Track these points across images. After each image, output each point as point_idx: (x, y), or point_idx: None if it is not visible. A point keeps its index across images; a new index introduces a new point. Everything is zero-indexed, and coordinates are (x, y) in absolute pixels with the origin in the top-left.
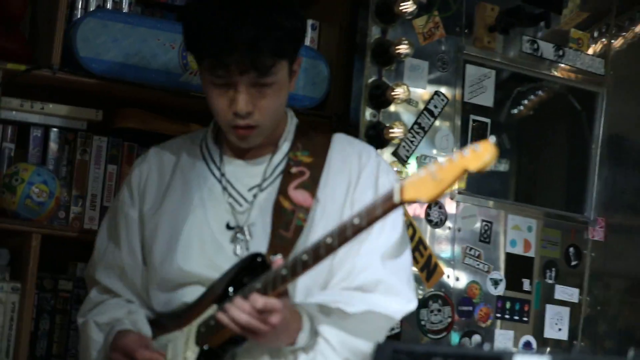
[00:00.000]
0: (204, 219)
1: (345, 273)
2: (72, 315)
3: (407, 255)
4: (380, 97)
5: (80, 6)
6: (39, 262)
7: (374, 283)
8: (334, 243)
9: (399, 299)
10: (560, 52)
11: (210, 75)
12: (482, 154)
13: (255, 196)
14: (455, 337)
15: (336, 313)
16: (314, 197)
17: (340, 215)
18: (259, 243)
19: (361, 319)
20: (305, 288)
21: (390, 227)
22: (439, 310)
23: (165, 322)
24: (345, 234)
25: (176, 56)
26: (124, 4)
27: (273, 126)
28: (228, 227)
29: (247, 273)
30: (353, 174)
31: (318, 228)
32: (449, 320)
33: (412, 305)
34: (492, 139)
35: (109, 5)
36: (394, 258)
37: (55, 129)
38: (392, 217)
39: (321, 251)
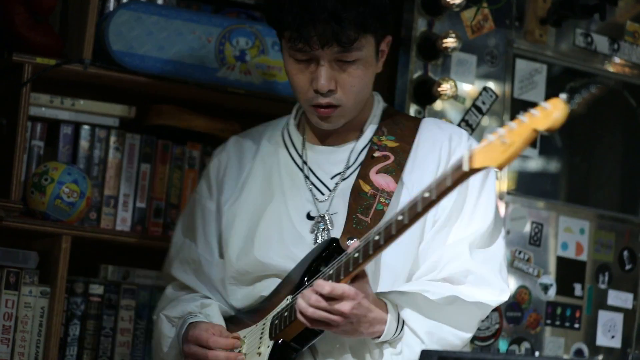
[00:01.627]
0: (284, 208)
1: (432, 264)
2: (103, 320)
3: (499, 244)
4: (426, 93)
5: None
6: (69, 265)
7: (463, 274)
8: (405, 219)
9: (490, 290)
10: (615, 46)
11: (291, 50)
12: (552, 112)
13: (337, 184)
14: (503, 345)
15: (421, 301)
16: (397, 182)
17: None
18: (334, 231)
19: (448, 308)
20: (390, 280)
21: (482, 215)
22: (487, 317)
23: (243, 317)
24: (416, 209)
25: (213, 50)
26: None
27: (357, 108)
28: (309, 217)
29: (324, 260)
30: (443, 157)
31: None
32: (497, 326)
33: (504, 296)
34: (562, 95)
35: None
36: (484, 247)
37: (86, 126)
38: (484, 203)
39: (392, 229)
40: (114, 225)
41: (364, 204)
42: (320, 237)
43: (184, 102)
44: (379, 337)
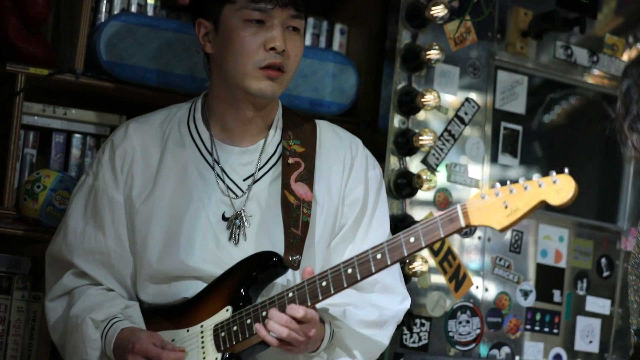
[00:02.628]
0: (203, 210)
1: None
2: None
3: None
4: (410, 104)
5: (104, 9)
6: None
7: (371, 283)
8: (385, 259)
9: (393, 297)
10: (595, 58)
11: (247, 10)
12: (563, 188)
13: (249, 187)
14: (483, 349)
15: (350, 317)
16: (312, 191)
17: (336, 211)
18: (260, 239)
19: (372, 324)
20: None
21: (377, 227)
22: (468, 322)
23: (162, 316)
24: (399, 250)
25: (201, 61)
26: (148, 7)
27: (289, 82)
28: (224, 218)
29: (259, 271)
30: (346, 166)
31: (319, 225)
32: (478, 331)
33: (407, 302)
34: (566, 170)
35: (133, 9)
36: None
37: (77, 135)
38: (378, 216)
39: (368, 266)
40: None
41: (293, 216)
42: (235, 234)
43: None
44: (314, 351)
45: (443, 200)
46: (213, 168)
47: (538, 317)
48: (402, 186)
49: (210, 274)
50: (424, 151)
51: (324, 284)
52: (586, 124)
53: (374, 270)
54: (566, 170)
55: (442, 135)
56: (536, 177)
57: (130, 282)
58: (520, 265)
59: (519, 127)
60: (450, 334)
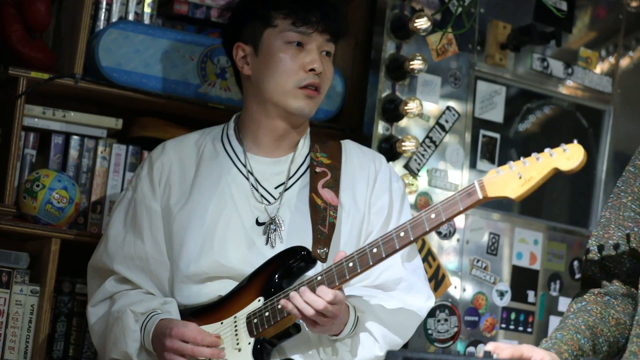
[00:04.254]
0: (236, 214)
1: (365, 273)
2: None
3: (420, 259)
4: (394, 111)
5: (102, 17)
6: (57, 266)
7: (395, 282)
8: (408, 236)
9: (419, 296)
10: (569, 70)
11: (288, 32)
12: (573, 155)
13: (281, 194)
14: (461, 346)
15: (375, 307)
16: (338, 198)
17: (362, 218)
18: (291, 239)
19: (396, 315)
20: None
21: None
22: (446, 320)
23: (198, 315)
24: (422, 226)
25: (195, 68)
26: (145, 16)
27: (319, 103)
28: (257, 222)
29: (289, 264)
30: (370, 178)
31: (345, 228)
32: (455, 329)
33: (431, 301)
34: (575, 141)
35: (130, 17)
36: (411, 259)
37: (76, 137)
38: (404, 219)
39: (392, 243)
40: (100, 230)
41: (320, 216)
42: (271, 238)
43: (168, 115)
44: (337, 335)
45: (424, 204)
46: (247, 178)
47: (513, 316)
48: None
49: (243, 273)
50: (407, 157)
51: (350, 264)
52: (560, 132)
53: (397, 247)
54: (575, 141)
55: (423, 141)
56: (548, 149)
57: (167, 286)
58: (496, 266)
59: (497, 135)
60: (429, 332)
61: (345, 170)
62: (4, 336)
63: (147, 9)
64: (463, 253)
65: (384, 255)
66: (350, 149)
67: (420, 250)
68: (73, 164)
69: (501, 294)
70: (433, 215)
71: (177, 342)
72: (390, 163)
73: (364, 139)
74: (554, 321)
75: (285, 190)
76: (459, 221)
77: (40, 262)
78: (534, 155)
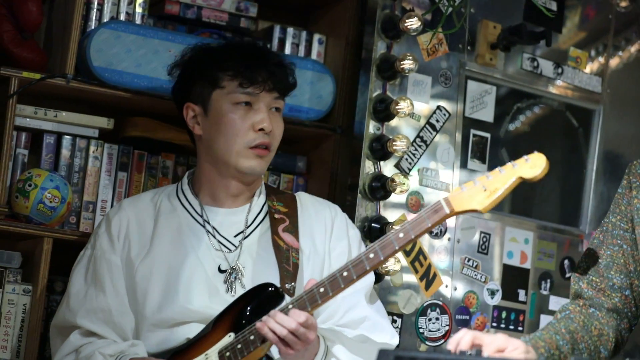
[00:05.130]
0: (198, 262)
1: (331, 311)
2: None
3: (380, 302)
4: (385, 111)
5: (94, 17)
6: (49, 265)
7: (360, 320)
8: (378, 256)
9: (384, 334)
10: (559, 70)
11: (235, 94)
12: (536, 164)
13: (240, 242)
14: None
15: (342, 337)
16: (298, 241)
17: (323, 261)
18: (257, 282)
19: (364, 345)
20: None
21: (365, 277)
22: (437, 319)
23: (169, 357)
24: (391, 246)
25: None
26: (136, 16)
27: (270, 161)
28: (220, 270)
29: (258, 301)
30: (327, 224)
31: (307, 269)
32: (447, 328)
33: (395, 339)
34: (535, 152)
35: (122, 17)
36: (374, 299)
37: (67, 136)
38: None
39: (363, 265)
40: (92, 229)
41: (284, 256)
42: (233, 286)
43: (160, 115)
44: None
45: (415, 203)
46: (204, 227)
47: (504, 315)
48: (376, 189)
49: (209, 316)
50: (398, 156)
51: (322, 290)
52: (550, 132)
53: (367, 268)
54: (535, 151)
55: (414, 141)
56: (509, 162)
57: (131, 336)
58: (487, 265)
59: (487, 134)
60: (421, 330)
61: (302, 217)
62: None
63: (139, 9)
64: (454, 252)
65: (354, 277)
66: (304, 199)
67: (411, 250)
68: (65, 163)
69: (492, 293)
70: (402, 235)
71: None
72: (382, 162)
73: (355, 139)
74: (544, 320)
75: (245, 238)
76: (450, 220)
77: (32, 261)
78: (497, 169)
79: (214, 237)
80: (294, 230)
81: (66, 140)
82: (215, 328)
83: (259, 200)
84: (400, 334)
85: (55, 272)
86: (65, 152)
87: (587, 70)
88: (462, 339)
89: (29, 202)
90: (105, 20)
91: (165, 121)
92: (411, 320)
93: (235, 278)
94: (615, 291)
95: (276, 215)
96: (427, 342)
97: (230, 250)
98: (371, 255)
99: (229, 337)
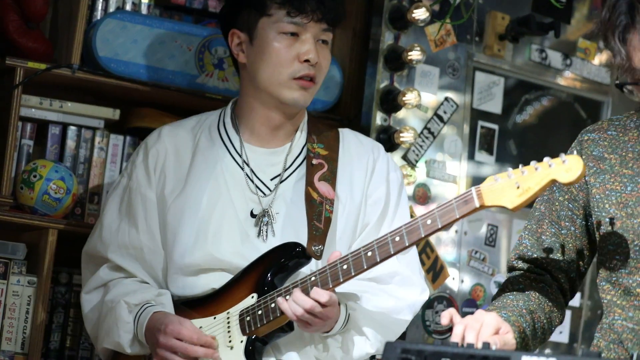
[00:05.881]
0: (231, 206)
1: None
2: None
3: (416, 252)
4: (392, 102)
5: (100, 7)
6: (54, 257)
7: (390, 275)
8: (403, 241)
9: (413, 289)
10: (568, 61)
11: (282, 23)
12: (572, 167)
13: (277, 186)
14: None
15: (366, 304)
16: (334, 190)
17: (359, 210)
18: (286, 232)
19: (388, 312)
20: None
21: (402, 222)
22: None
23: (191, 306)
24: (417, 232)
25: (193, 58)
26: (142, 6)
27: (315, 93)
28: (252, 214)
29: (284, 261)
30: (369, 168)
31: (341, 222)
32: None
33: (425, 294)
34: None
35: (128, 7)
36: (406, 252)
37: (73, 127)
38: (402, 213)
39: (387, 248)
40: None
41: (316, 211)
42: (263, 231)
43: (165, 106)
44: (328, 331)
45: (422, 195)
46: (242, 168)
47: None
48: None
49: (237, 266)
50: (405, 148)
51: (344, 267)
52: (558, 123)
53: (392, 252)
54: (574, 151)
55: (421, 132)
56: (547, 159)
57: (161, 275)
58: (494, 258)
59: (495, 126)
60: (427, 323)
61: (343, 161)
62: (0, 327)
63: None
64: (461, 244)
65: (378, 260)
66: (348, 139)
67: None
68: (70, 154)
69: (499, 286)
70: (429, 222)
71: (172, 340)
72: (389, 154)
73: (362, 130)
74: None
75: (281, 182)
76: None
77: (37, 252)
78: (532, 164)
79: (251, 180)
80: (331, 177)
81: (71, 130)
82: (240, 284)
83: (300, 139)
84: (406, 327)
85: (60, 264)
86: (70, 143)
87: (596, 61)
88: (465, 337)
89: (34, 193)
90: (111, 10)
91: (171, 112)
92: (418, 313)
93: (267, 223)
94: (561, 272)
95: (314, 161)
96: (433, 335)
97: (265, 194)
98: (397, 239)
99: (252, 299)
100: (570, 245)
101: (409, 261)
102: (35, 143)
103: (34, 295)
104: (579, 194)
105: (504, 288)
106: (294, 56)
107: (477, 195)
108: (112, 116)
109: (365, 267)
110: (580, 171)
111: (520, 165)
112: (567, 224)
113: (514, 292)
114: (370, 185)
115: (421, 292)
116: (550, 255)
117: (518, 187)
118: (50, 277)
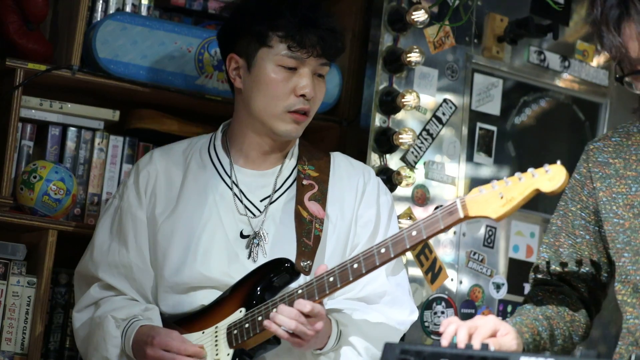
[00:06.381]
0: (221, 226)
1: (350, 285)
2: None
3: (404, 272)
4: (391, 104)
5: (100, 9)
6: (54, 258)
7: (379, 295)
8: (389, 252)
9: (402, 309)
10: (566, 63)
11: (282, 56)
12: (555, 176)
13: (266, 207)
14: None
15: (357, 320)
16: (324, 211)
17: (349, 230)
18: (275, 252)
19: (378, 329)
20: None
21: None
22: (442, 313)
23: (180, 323)
24: (402, 243)
25: (192, 59)
26: (142, 7)
27: (306, 126)
28: (242, 235)
29: (272, 276)
30: (359, 190)
31: (330, 241)
32: None
33: (414, 315)
34: (559, 162)
35: (128, 9)
36: (396, 273)
37: (73, 128)
38: (391, 234)
39: (373, 259)
40: (97, 222)
41: (305, 228)
42: (254, 252)
43: (165, 107)
44: (321, 348)
45: (421, 196)
46: (232, 189)
47: (509, 309)
48: (383, 182)
49: (226, 284)
50: (404, 149)
51: (331, 279)
52: (557, 125)
53: (378, 264)
54: (558, 162)
55: (420, 134)
56: (531, 169)
57: (150, 294)
58: (493, 259)
59: (493, 128)
60: (426, 324)
61: (333, 182)
62: (0, 327)
63: (145, 1)
64: (460, 246)
65: (364, 271)
66: (339, 161)
67: None
68: (70, 155)
69: (498, 287)
70: (414, 233)
71: (159, 351)
72: (387, 156)
73: (361, 132)
74: None
75: (271, 203)
76: None
77: (37, 253)
78: (516, 175)
79: (240, 201)
80: (322, 197)
81: (71, 132)
82: (229, 299)
83: (290, 162)
84: None
85: (60, 265)
86: (70, 144)
87: (594, 63)
88: (458, 337)
89: (33, 194)
90: (111, 12)
91: (171, 113)
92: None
93: (257, 244)
94: (580, 282)
95: (304, 182)
96: (432, 336)
97: (254, 215)
98: (382, 250)
99: (240, 313)
100: (586, 254)
101: (398, 282)
102: (35, 144)
103: (34, 296)
104: (589, 200)
105: (523, 303)
106: (290, 89)
107: (461, 206)
108: (112, 117)
109: (351, 279)
110: (563, 180)
111: (504, 177)
112: (581, 232)
113: (532, 304)
114: (361, 207)
115: (410, 313)
116: (569, 266)
117: (502, 197)
118: (50, 277)
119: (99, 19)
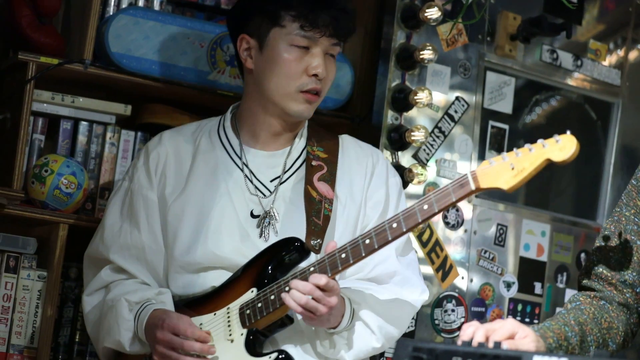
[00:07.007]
0: (231, 206)
1: (359, 265)
2: None
3: (414, 254)
4: (403, 101)
5: (112, 3)
6: (65, 252)
7: (389, 275)
8: (400, 227)
9: (413, 289)
10: (579, 62)
11: (294, 35)
12: (565, 146)
13: (276, 187)
14: None
15: (370, 299)
16: (334, 191)
17: (358, 211)
18: (285, 231)
19: (391, 306)
20: None
21: None
22: (453, 311)
23: (191, 305)
24: (414, 217)
25: (205, 55)
26: (155, 2)
27: (317, 105)
28: (252, 215)
29: (283, 255)
30: (368, 171)
31: (340, 222)
32: (462, 320)
33: (425, 294)
34: (568, 132)
35: (140, 3)
36: (405, 254)
37: (84, 122)
38: None
39: (385, 234)
40: None
41: (315, 208)
42: (265, 231)
43: (177, 102)
44: (334, 327)
45: None
46: (242, 170)
47: (520, 307)
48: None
49: (236, 264)
50: (415, 146)
51: (343, 255)
52: (568, 124)
53: (390, 238)
54: (568, 131)
55: (432, 131)
56: (540, 140)
57: (162, 275)
58: (503, 258)
59: (505, 126)
60: (436, 322)
61: (342, 163)
62: (10, 321)
63: None
64: (470, 244)
65: (376, 247)
66: (347, 143)
67: (427, 241)
68: (81, 149)
69: (508, 285)
70: (426, 207)
71: (168, 335)
72: (399, 152)
73: (373, 129)
74: None
75: (281, 183)
76: (467, 212)
77: (47, 247)
78: (526, 146)
79: (251, 181)
80: (330, 178)
81: (83, 126)
82: (240, 279)
83: (300, 143)
84: (415, 325)
85: (71, 259)
86: (81, 138)
87: (606, 62)
88: (474, 337)
89: (45, 187)
90: (123, 6)
91: (182, 108)
92: (427, 312)
93: (268, 223)
94: (627, 287)
95: (313, 163)
96: (442, 334)
97: (265, 195)
98: (394, 225)
99: (252, 293)
100: (635, 258)
101: (408, 263)
102: (46, 138)
103: (44, 290)
104: None
105: (563, 307)
106: (302, 69)
107: (472, 178)
108: (124, 112)
109: (363, 255)
110: (573, 149)
111: (514, 148)
112: (633, 237)
113: (568, 309)
114: (370, 188)
115: (421, 292)
116: (616, 270)
117: (513, 169)
118: (60, 271)
119: (111, 14)
